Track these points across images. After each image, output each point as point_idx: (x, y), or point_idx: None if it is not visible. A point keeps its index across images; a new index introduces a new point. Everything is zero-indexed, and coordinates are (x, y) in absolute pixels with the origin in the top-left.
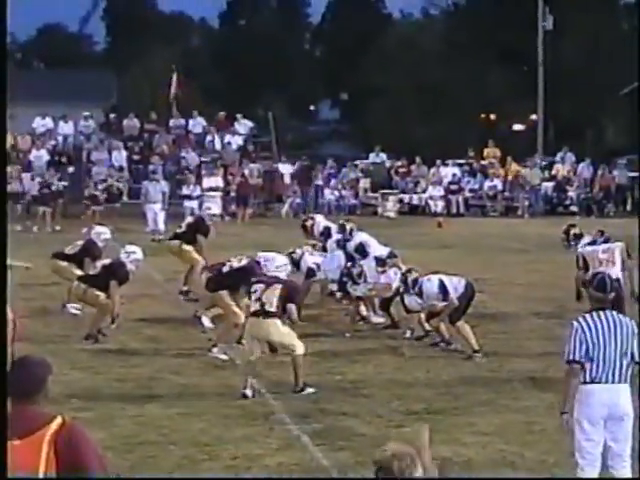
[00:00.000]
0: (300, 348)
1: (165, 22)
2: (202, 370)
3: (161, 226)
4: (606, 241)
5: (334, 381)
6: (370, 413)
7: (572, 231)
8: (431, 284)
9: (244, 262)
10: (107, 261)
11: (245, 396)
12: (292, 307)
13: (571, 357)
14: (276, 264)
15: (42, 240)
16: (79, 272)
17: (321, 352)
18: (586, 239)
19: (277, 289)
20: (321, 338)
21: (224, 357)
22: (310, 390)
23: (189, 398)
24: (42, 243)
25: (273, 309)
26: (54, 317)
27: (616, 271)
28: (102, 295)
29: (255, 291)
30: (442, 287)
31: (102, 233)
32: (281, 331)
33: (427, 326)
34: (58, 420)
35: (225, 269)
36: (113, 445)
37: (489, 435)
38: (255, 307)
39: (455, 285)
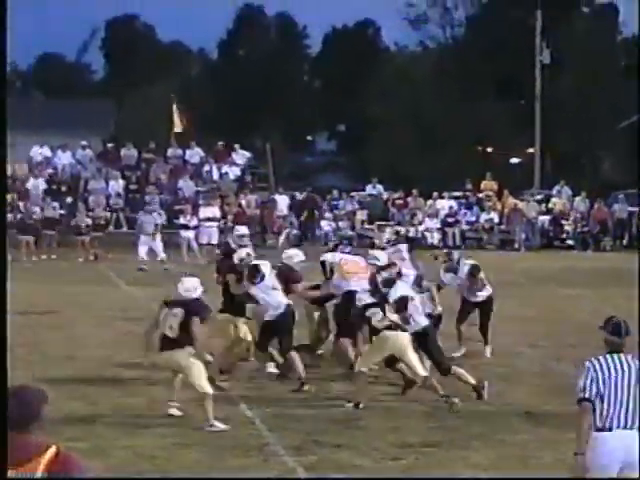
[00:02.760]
0: (423, 370)
1: (164, 52)
2: (197, 401)
3: (162, 254)
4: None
5: (328, 413)
6: (365, 445)
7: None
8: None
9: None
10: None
11: (357, 406)
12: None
13: (582, 395)
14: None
15: (37, 269)
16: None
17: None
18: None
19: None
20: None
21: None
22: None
23: (184, 429)
24: (37, 271)
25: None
26: (48, 345)
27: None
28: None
29: (375, 314)
30: None
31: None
32: (412, 349)
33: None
34: (52, 450)
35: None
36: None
37: (484, 469)
38: (385, 323)
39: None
